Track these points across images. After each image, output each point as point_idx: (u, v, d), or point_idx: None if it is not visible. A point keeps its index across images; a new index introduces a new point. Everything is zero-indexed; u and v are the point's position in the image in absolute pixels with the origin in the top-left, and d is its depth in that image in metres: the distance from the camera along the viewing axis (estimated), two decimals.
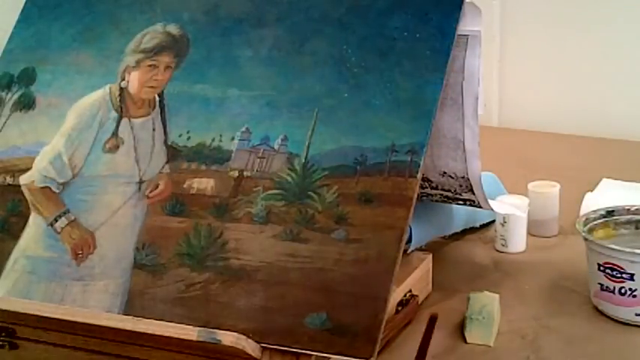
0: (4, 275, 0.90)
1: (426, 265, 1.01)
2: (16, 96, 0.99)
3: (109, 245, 0.88)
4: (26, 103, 0.99)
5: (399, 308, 0.94)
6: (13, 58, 1.02)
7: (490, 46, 1.71)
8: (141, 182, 0.90)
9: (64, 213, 0.91)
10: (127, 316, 0.83)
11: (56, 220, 0.91)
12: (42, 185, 0.93)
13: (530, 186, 1.19)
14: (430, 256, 1.03)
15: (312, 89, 0.89)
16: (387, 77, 0.87)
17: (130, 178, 0.91)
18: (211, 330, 0.76)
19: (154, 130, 0.93)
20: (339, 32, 0.91)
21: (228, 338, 0.75)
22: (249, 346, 0.76)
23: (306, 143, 0.87)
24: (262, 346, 0.78)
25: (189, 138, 0.91)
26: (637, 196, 1.17)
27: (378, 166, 0.84)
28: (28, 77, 1.00)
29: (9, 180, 0.95)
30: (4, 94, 1.00)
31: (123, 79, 0.96)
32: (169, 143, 0.91)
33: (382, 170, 0.83)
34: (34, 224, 0.92)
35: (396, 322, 0.93)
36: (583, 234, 0.97)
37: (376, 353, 0.81)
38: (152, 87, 0.94)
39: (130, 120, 0.94)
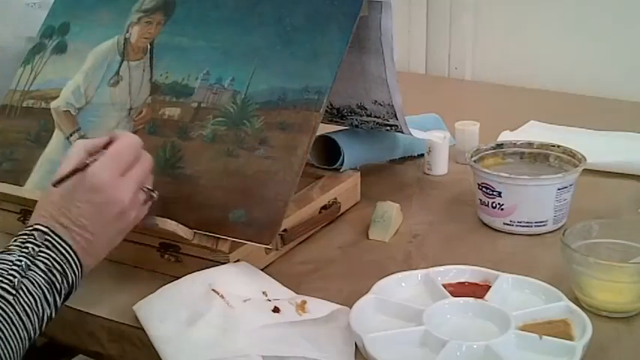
0: (33, 173, 0.97)
1: (353, 180, 1.05)
2: (54, 43, 1.05)
3: None
4: (60, 48, 1.05)
5: (322, 211, 0.98)
6: (56, 14, 1.07)
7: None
8: (131, 109, 0.96)
9: (77, 130, 0.97)
10: None
11: (71, 135, 0.97)
12: (65, 109, 0.99)
13: (457, 124, 1.21)
14: (358, 173, 1.05)
15: (256, 43, 0.93)
16: (310, 35, 0.90)
17: (123, 105, 0.96)
18: (153, 217, 0.82)
19: (143, 70, 0.98)
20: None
21: (163, 223, 0.81)
22: (181, 230, 0.82)
23: (247, 83, 0.91)
24: (194, 232, 0.84)
25: (167, 77, 0.96)
26: (552, 136, 1.18)
27: (293, 102, 0.87)
28: (64, 29, 1.06)
29: (43, 105, 1.01)
30: (46, 41, 1.06)
31: (127, 32, 1.01)
32: (153, 80, 0.96)
33: (296, 105, 0.87)
34: (56, 137, 0.98)
35: (316, 220, 0.96)
36: (468, 160, 0.99)
37: (276, 241, 0.87)
38: (146, 38, 0.99)
39: (128, 62, 0.99)
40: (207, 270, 0.82)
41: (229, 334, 0.73)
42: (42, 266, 0.72)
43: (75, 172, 0.76)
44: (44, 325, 0.72)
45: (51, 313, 0.72)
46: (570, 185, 0.96)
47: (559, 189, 0.95)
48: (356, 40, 0.97)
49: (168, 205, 0.86)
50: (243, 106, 0.90)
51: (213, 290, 0.78)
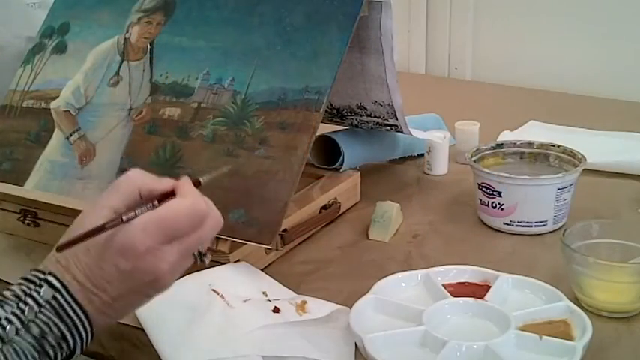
0: (33, 174, 0.97)
1: (353, 180, 1.05)
2: (54, 43, 1.05)
3: (104, 155, 0.95)
4: (60, 48, 1.05)
5: (322, 211, 0.98)
6: (56, 15, 1.08)
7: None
8: (130, 109, 0.96)
9: (77, 130, 0.98)
10: None
11: (71, 135, 0.98)
12: (64, 109, 0.99)
13: (457, 124, 1.21)
14: (358, 173, 1.06)
15: (256, 43, 0.93)
16: (310, 35, 0.90)
17: (123, 105, 0.96)
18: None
19: (143, 70, 0.98)
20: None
21: None
22: None
23: (247, 83, 0.91)
24: None
25: (167, 77, 0.96)
26: (552, 136, 1.18)
27: (293, 102, 0.88)
28: (64, 29, 1.06)
29: (44, 105, 1.01)
30: (46, 41, 1.06)
31: (127, 32, 1.01)
32: (153, 81, 0.96)
33: (296, 105, 0.87)
34: (56, 137, 0.98)
35: (316, 220, 0.96)
36: (468, 160, 0.99)
37: (275, 241, 0.87)
38: (146, 38, 0.99)
39: (128, 62, 0.99)
40: (207, 270, 0.82)
41: (229, 334, 0.73)
42: (35, 331, 0.59)
43: (91, 234, 0.61)
44: None
45: None
46: (570, 185, 0.96)
47: (559, 189, 0.95)
48: (356, 40, 0.97)
49: None
50: (243, 106, 0.90)
51: (213, 290, 0.78)
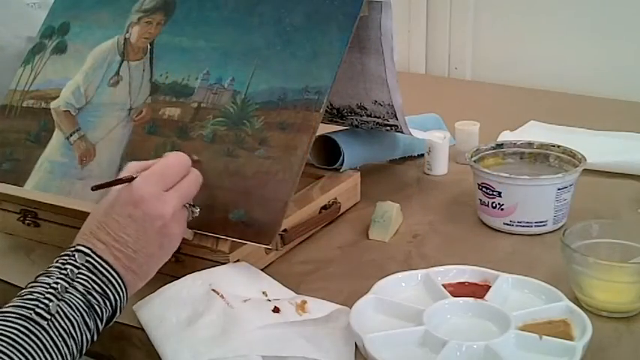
0: (33, 174, 0.96)
1: (353, 180, 1.05)
2: (54, 43, 1.05)
3: (104, 154, 0.94)
4: (60, 49, 1.04)
5: (322, 211, 0.98)
6: (56, 15, 1.07)
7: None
8: (130, 109, 0.96)
9: (77, 130, 0.97)
10: None
11: (71, 135, 0.97)
12: (64, 109, 0.99)
13: (457, 124, 1.21)
14: (358, 173, 1.06)
15: (256, 43, 0.92)
16: (310, 35, 0.90)
17: (123, 105, 0.96)
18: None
19: (143, 70, 0.98)
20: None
21: None
22: None
23: (247, 83, 0.91)
24: (194, 232, 0.84)
25: (167, 77, 0.95)
26: (552, 136, 1.18)
27: (293, 102, 0.87)
28: (64, 29, 1.05)
29: (43, 105, 1.01)
30: (46, 41, 1.06)
31: (127, 32, 1.01)
32: (153, 81, 0.96)
33: (296, 105, 0.87)
34: (56, 137, 0.98)
35: (316, 220, 0.96)
36: (468, 160, 0.99)
37: (275, 241, 0.87)
38: (146, 38, 0.99)
39: (128, 62, 0.99)
40: (207, 270, 0.82)
41: (229, 334, 0.73)
42: (80, 288, 0.70)
43: (118, 182, 0.76)
44: (84, 349, 0.70)
45: (91, 337, 0.70)
46: (570, 185, 0.96)
47: (559, 189, 0.95)
48: (356, 40, 0.97)
49: None
50: (243, 106, 0.90)
51: (213, 290, 0.78)
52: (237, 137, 0.88)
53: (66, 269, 0.70)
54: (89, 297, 0.70)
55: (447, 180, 1.15)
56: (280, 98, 0.88)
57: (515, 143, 1.05)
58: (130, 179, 0.76)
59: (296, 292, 0.83)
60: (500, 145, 1.05)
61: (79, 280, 0.70)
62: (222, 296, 0.77)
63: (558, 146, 1.02)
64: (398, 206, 0.98)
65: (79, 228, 0.92)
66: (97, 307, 0.70)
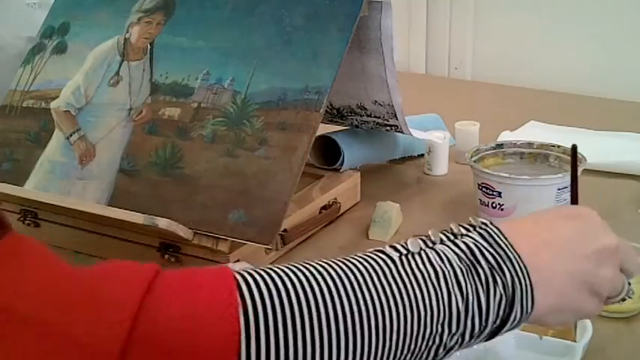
0: (33, 174, 0.97)
1: (353, 180, 1.05)
2: (54, 43, 1.05)
3: (104, 155, 0.94)
4: (60, 49, 1.05)
5: (322, 211, 0.98)
6: (56, 15, 1.07)
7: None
8: (130, 109, 0.96)
9: (77, 130, 0.97)
10: (106, 206, 0.89)
11: (71, 135, 0.97)
12: (65, 109, 0.99)
13: (457, 124, 1.21)
14: (358, 173, 1.06)
15: (256, 43, 0.92)
16: (310, 35, 0.90)
17: (123, 105, 0.96)
18: (153, 217, 0.81)
19: (143, 70, 0.98)
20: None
21: (163, 223, 0.81)
22: (181, 230, 0.82)
23: (247, 84, 0.91)
24: (194, 231, 0.84)
25: (167, 77, 0.95)
26: (552, 136, 1.18)
27: (293, 103, 0.87)
28: (64, 29, 1.06)
29: (44, 105, 1.01)
30: (46, 41, 1.06)
31: (127, 32, 1.01)
32: (153, 81, 0.96)
33: (296, 106, 0.87)
34: (56, 137, 0.98)
35: (316, 220, 0.96)
36: (468, 160, 0.99)
37: (275, 241, 0.87)
38: (146, 38, 0.99)
39: (128, 63, 0.99)
40: None
41: None
42: (462, 246, 0.54)
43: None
44: (453, 318, 0.51)
45: (464, 305, 0.51)
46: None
47: (559, 189, 0.94)
48: (356, 40, 0.97)
49: (169, 205, 0.87)
50: (243, 107, 0.90)
51: None
52: (237, 137, 0.88)
53: (450, 230, 0.56)
54: (471, 257, 0.53)
55: (447, 180, 1.15)
56: (280, 98, 0.88)
57: (515, 143, 1.05)
58: None
59: None
60: (500, 145, 1.05)
61: (464, 240, 0.54)
62: None
63: (558, 146, 1.02)
64: (398, 206, 0.98)
65: (79, 228, 0.94)
66: (481, 271, 0.52)
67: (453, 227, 0.57)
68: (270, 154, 0.85)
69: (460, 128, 1.20)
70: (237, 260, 0.85)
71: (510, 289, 0.53)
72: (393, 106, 1.02)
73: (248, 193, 0.84)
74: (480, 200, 0.98)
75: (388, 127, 1.07)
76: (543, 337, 0.72)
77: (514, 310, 0.53)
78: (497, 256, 0.53)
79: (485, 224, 0.56)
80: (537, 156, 1.03)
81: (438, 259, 0.52)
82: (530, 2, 1.63)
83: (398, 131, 1.08)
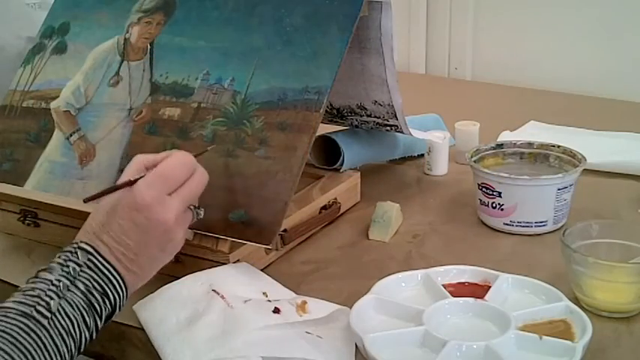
0: (33, 174, 0.97)
1: (353, 180, 1.05)
2: (54, 43, 1.05)
3: (104, 155, 0.94)
4: (60, 49, 1.04)
5: (322, 211, 0.98)
6: (56, 15, 1.07)
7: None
8: (130, 109, 0.96)
9: (77, 130, 0.97)
10: None
11: (71, 135, 0.97)
12: (64, 109, 0.99)
13: (457, 124, 1.21)
14: (358, 173, 1.06)
15: (256, 43, 0.92)
16: (310, 35, 0.90)
17: (123, 105, 0.96)
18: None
19: (143, 70, 0.98)
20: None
21: None
22: None
23: (247, 84, 0.91)
24: (194, 232, 0.84)
25: (167, 77, 0.95)
26: (552, 136, 1.18)
27: (293, 103, 0.87)
28: (64, 29, 1.06)
29: (44, 105, 1.01)
30: (46, 41, 1.06)
31: (127, 32, 1.01)
32: (153, 81, 0.96)
33: (296, 106, 0.87)
34: (56, 137, 0.98)
35: (316, 220, 0.96)
36: (468, 160, 0.99)
37: (275, 241, 0.87)
38: (146, 38, 0.99)
39: (128, 63, 0.99)
40: (208, 270, 0.82)
41: (229, 335, 0.73)
42: (82, 287, 0.70)
43: (111, 190, 0.75)
44: (82, 347, 0.70)
45: (90, 336, 0.70)
46: (570, 185, 0.96)
47: (559, 189, 0.95)
48: (356, 40, 0.97)
49: None
50: (243, 107, 0.90)
51: (213, 290, 0.78)
52: (237, 137, 0.88)
53: (68, 266, 0.70)
54: (90, 296, 0.70)
55: (447, 180, 1.15)
56: (280, 98, 0.88)
57: (515, 143, 1.05)
58: (129, 184, 0.74)
59: (296, 293, 0.83)
60: (500, 145, 1.05)
61: (80, 278, 0.70)
62: (222, 297, 0.77)
63: (558, 146, 1.02)
64: (398, 206, 0.98)
65: (79, 228, 0.93)
66: (97, 305, 0.70)
67: (69, 264, 0.71)
68: (270, 154, 0.85)
69: (460, 128, 1.20)
70: (237, 260, 0.85)
71: (114, 302, 0.72)
72: (393, 106, 1.02)
73: (248, 193, 0.84)
74: (480, 200, 0.98)
75: (388, 127, 1.07)
76: (543, 337, 0.72)
77: (117, 309, 0.73)
78: (104, 286, 0.71)
79: (93, 255, 0.72)
80: (537, 156, 1.03)
81: (71, 310, 0.68)
82: (531, 2, 1.63)
83: (398, 131, 1.08)
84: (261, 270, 0.86)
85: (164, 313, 0.77)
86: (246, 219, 0.83)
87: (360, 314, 0.76)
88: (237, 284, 0.80)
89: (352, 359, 0.73)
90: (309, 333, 0.75)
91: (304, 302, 0.78)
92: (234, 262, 0.84)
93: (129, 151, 0.93)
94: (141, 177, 0.74)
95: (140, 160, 0.77)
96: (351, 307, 0.77)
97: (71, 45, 1.04)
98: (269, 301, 0.78)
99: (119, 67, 0.99)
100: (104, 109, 0.97)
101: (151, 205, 0.73)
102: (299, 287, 0.85)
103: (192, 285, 0.79)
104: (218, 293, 0.77)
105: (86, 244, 0.72)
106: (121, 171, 0.91)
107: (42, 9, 1.21)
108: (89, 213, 0.89)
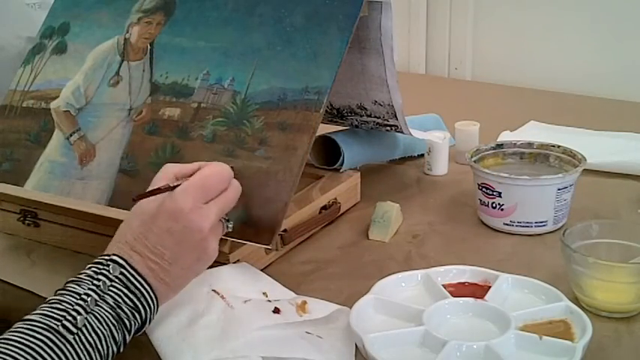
0: (33, 174, 0.97)
1: (353, 180, 1.05)
2: (54, 43, 1.05)
3: (104, 155, 0.94)
4: (60, 49, 1.05)
5: (322, 211, 0.98)
6: (56, 15, 1.07)
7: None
8: (131, 109, 0.96)
9: (77, 130, 0.97)
10: (106, 206, 0.90)
11: (71, 135, 0.97)
12: (64, 109, 0.99)
13: (457, 124, 1.21)
14: (358, 173, 1.06)
15: (256, 43, 0.92)
16: (310, 35, 0.90)
17: (123, 105, 0.96)
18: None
19: (143, 71, 0.98)
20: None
21: None
22: None
23: (247, 84, 0.91)
24: None
25: (167, 77, 0.95)
26: (552, 136, 1.18)
27: (293, 103, 0.87)
28: (64, 29, 1.06)
29: (43, 105, 1.01)
30: (46, 41, 1.06)
31: (127, 32, 1.01)
32: (153, 81, 0.96)
33: (296, 106, 0.87)
34: (56, 138, 0.98)
35: (316, 220, 0.96)
36: (468, 160, 0.99)
37: (275, 241, 0.87)
38: (146, 38, 0.99)
39: (128, 63, 0.99)
40: (208, 270, 0.81)
41: (229, 335, 0.73)
42: (111, 302, 0.68)
43: (158, 191, 0.74)
44: None
45: (117, 350, 0.69)
46: (570, 185, 0.96)
47: (559, 189, 0.95)
48: (356, 40, 0.97)
49: None
50: (243, 107, 0.90)
51: (213, 291, 0.78)
52: (237, 137, 0.88)
53: (98, 280, 0.69)
54: (119, 310, 0.68)
55: (447, 180, 1.15)
56: (280, 98, 0.88)
57: (515, 143, 1.05)
58: (171, 188, 0.73)
59: (296, 293, 0.83)
60: (500, 145, 1.05)
61: (110, 292, 0.68)
62: (222, 297, 0.77)
63: (558, 146, 1.02)
64: (398, 206, 0.98)
65: (79, 228, 0.94)
66: (126, 320, 0.69)
67: (99, 277, 0.69)
68: (270, 154, 0.85)
69: (460, 128, 1.20)
70: (237, 260, 0.85)
71: (144, 315, 0.71)
72: (393, 106, 1.02)
73: (248, 193, 0.84)
74: (480, 200, 0.98)
75: (388, 127, 1.07)
76: (543, 337, 0.72)
77: (147, 322, 0.71)
78: (135, 300, 0.70)
79: (126, 268, 0.70)
80: (537, 156, 1.03)
81: (98, 325, 0.67)
82: (531, 2, 1.63)
83: (398, 131, 1.08)
84: (261, 270, 0.86)
85: (164, 313, 0.77)
86: (246, 219, 0.83)
87: (360, 314, 0.76)
88: (237, 284, 0.80)
89: (352, 359, 0.73)
90: (309, 333, 0.75)
91: (304, 302, 0.78)
92: (234, 262, 0.84)
93: (129, 151, 0.93)
94: (179, 184, 0.74)
95: (170, 169, 0.77)
96: (351, 307, 0.77)
97: (71, 45, 1.04)
98: (269, 301, 0.78)
99: (119, 67, 0.99)
100: (104, 109, 0.97)
101: (188, 213, 0.72)
102: (299, 287, 0.85)
103: (192, 285, 0.79)
104: (218, 293, 0.77)
105: (118, 256, 0.71)
106: (121, 171, 0.92)
107: (42, 9, 1.21)
108: (90, 214, 0.90)
